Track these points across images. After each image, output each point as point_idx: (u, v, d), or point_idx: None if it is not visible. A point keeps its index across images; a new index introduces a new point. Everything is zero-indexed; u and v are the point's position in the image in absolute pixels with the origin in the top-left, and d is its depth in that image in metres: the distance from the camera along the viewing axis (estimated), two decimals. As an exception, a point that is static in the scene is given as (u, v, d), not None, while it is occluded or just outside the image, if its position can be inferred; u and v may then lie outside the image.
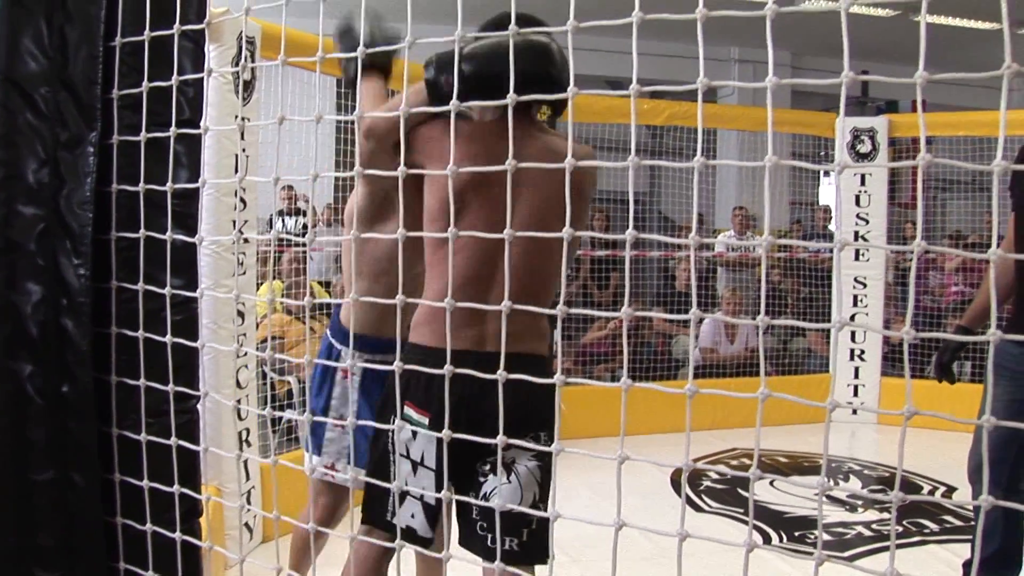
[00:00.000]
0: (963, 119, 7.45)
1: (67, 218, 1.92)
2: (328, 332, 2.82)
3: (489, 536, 2.13)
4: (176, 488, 1.90)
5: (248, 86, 3.94)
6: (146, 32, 1.87)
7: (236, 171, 3.73)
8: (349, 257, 2.63)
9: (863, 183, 7.22)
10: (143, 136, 1.89)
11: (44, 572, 1.93)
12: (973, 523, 4.09)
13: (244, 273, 3.96)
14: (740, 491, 5.23)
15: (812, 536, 4.46)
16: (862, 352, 7.28)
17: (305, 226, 6.67)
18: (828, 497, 4.96)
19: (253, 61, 3.87)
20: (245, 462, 3.90)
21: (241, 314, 3.95)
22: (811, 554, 1.24)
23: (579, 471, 4.64)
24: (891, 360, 7.35)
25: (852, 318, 7.18)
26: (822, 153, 8.91)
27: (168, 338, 1.89)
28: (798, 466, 5.99)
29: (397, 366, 1.63)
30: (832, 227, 8.42)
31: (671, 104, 6.91)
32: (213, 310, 3.66)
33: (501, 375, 1.49)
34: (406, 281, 1.62)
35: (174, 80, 1.86)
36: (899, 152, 7.47)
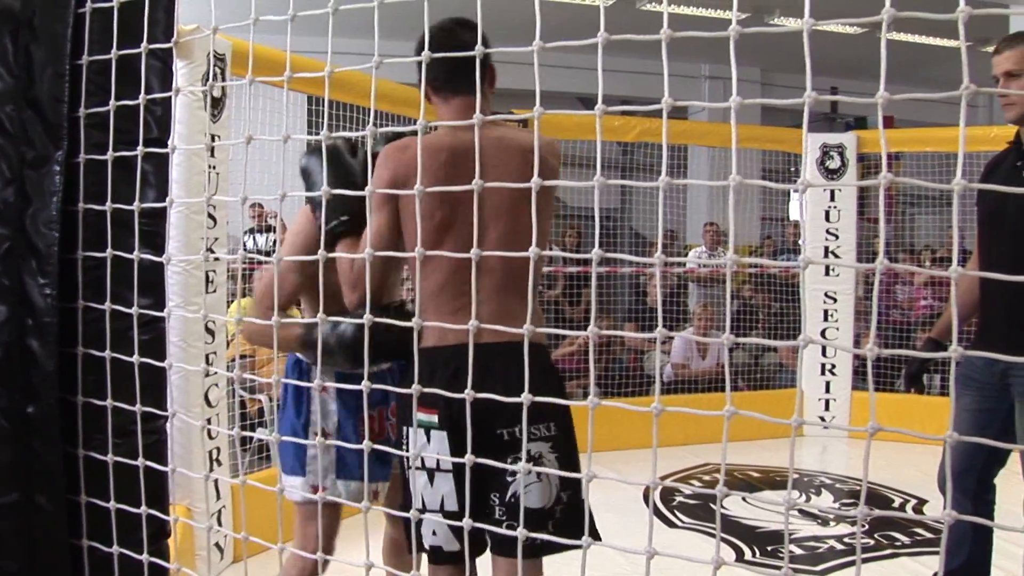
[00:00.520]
0: (931, 135, 7.55)
1: (33, 238, 1.91)
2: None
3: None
4: (143, 509, 1.88)
5: (218, 103, 3.93)
6: (113, 51, 1.86)
7: (207, 189, 3.71)
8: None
9: (832, 198, 7.29)
10: (110, 155, 1.88)
11: (9, 596, 1.90)
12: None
13: (215, 291, 3.93)
14: (713, 506, 5.24)
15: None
16: (833, 367, 7.33)
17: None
18: (800, 511, 4.98)
19: (223, 78, 3.86)
20: (216, 482, 3.87)
21: (211, 332, 3.93)
22: (779, 568, 1.25)
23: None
24: (862, 374, 7.41)
25: (823, 333, 7.23)
26: (792, 169, 9.00)
27: (136, 358, 1.87)
28: (770, 481, 6.02)
29: (365, 385, 1.62)
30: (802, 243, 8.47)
31: (642, 120, 6.95)
32: (183, 328, 3.63)
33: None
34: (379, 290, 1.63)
35: (141, 99, 1.85)
36: (868, 168, 7.55)
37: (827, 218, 7.31)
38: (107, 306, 1.90)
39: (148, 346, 1.92)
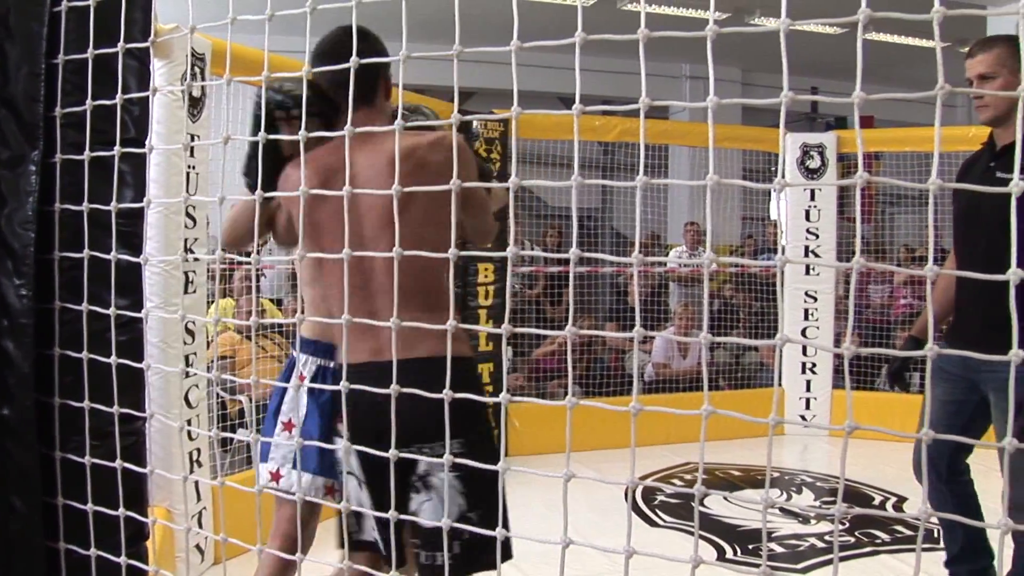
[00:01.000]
0: (911, 135, 7.60)
1: (8, 238, 1.89)
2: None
3: (423, 553, 2.16)
4: (121, 511, 1.87)
5: (197, 103, 3.91)
6: (90, 50, 1.85)
7: (187, 188, 3.69)
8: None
9: (813, 198, 7.32)
10: (87, 155, 1.87)
11: (-16, 600, 1.89)
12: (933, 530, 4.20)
13: (194, 291, 3.91)
14: (694, 505, 5.25)
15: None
16: (813, 365, 7.36)
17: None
18: (781, 510, 5.00)
19: (203, 77, 3.84)
20: (196, 483, 3.85)
21: (191, 332, 3.91)
22: (758, 566, 1.25)
23: (535, 487, 4.63)
24: (842, 373, 7.41)
25: (803, 332, 7.25)
26: (773, 169, 9.02)
27: (113, 359, 1.86)
28: (751, 479, 6.03)
29: (344, 386, 1.62)
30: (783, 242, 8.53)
31: (622, 120, 6.95)
32: (162, 329, 3.61)
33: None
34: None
35: (118, 99, 1.84)
36: (848, 168, 7.58)
37: (807, 217, 7.34)
38: (84, 307, 1.88)
39: (126, 347, 1.91)
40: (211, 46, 3.90)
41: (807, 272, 7.26)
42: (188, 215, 3.81)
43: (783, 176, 1.13)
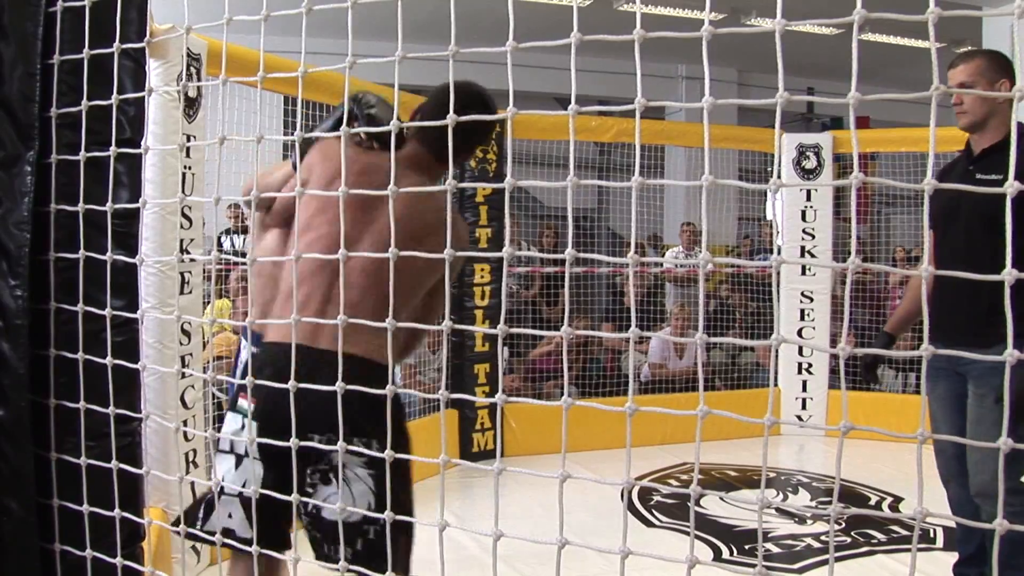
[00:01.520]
0: (906, 135, 7.59)
1: (3, 239, 1.89)
2: None
3: (326, 545, 2.14)
4: (117, 512, 1.87)
5: (193, 103, 3.90)
6: (85, 50, 1.85)
7: (183, 189, 3.69)
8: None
9: (808, 198, 7.32)
10: (82, 155, 1.86)
11: (-20, 601, 1.88)
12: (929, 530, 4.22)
13: (190, 292, 3.91)
14: (691, 505, 5.24)
15: (763, 549, 4.49)
16: (809, 365, 7.36)
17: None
18: (777, 510, 5.00)
19: (199, 78, 3.83)
20: (192, 484, 3.84)
21: (187, 333, 3.90)
22: (754, 566, 1.25)
23: (532, 489, 4.64)
24: (838, 373, 7.44)
25: (800, 332, 7.26)
26: (769, 169, 9.02)
27: (108, 360, 1.86)
28: (748, 480, 6.04)
29: (339, 386, 1.61)
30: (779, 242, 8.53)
31: (619, 121, 6.95)
32: (158, 329, 3.60)
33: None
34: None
35: (114, 99, 1.84)
36: (844, 168, 7.58)
37: (803, 218, 7.34)
38: (79, 308, 1.88)
39: (121, 348, 1.91)
40: (207, 46, 3.89)
41: (803, 272, 7.26)
42: (184, 216, 3.81)
43: (779, 176, 1.13)
